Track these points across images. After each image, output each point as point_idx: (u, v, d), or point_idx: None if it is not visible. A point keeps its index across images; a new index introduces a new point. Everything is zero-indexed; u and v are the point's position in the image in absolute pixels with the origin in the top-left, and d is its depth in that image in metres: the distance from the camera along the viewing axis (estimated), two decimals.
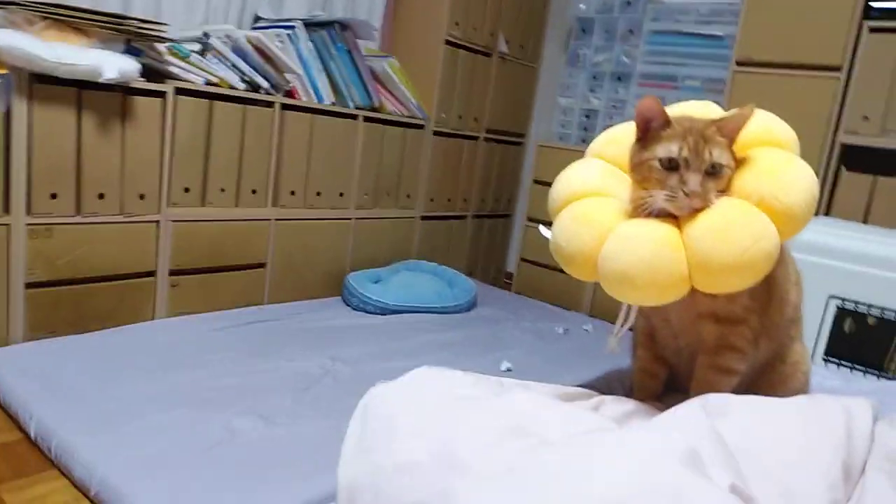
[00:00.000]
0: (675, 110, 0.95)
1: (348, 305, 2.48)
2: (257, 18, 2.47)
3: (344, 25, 2.49)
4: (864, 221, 2.25)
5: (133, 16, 1.85)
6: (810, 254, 1.31)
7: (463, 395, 0.53)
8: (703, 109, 0.91)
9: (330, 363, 1.88)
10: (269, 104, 2.25)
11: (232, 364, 1.79)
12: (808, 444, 0.60)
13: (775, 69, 2.39)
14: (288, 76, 2.30)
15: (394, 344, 2.12)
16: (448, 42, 2.82)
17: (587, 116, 3.04)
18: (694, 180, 0.77)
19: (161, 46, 1.98)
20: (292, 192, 2.40)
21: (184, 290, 2.12)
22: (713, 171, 0.79)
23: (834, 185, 2.35)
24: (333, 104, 2.47)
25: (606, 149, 0.94)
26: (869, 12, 2.23)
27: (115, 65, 1.72)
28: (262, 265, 2.34)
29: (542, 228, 0.93)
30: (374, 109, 2.62)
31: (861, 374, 1.29)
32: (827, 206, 2.35)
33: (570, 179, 0.92)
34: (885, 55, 2.21)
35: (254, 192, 2.28)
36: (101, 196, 1.88)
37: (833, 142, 2.31)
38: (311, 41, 2.41)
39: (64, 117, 1.75)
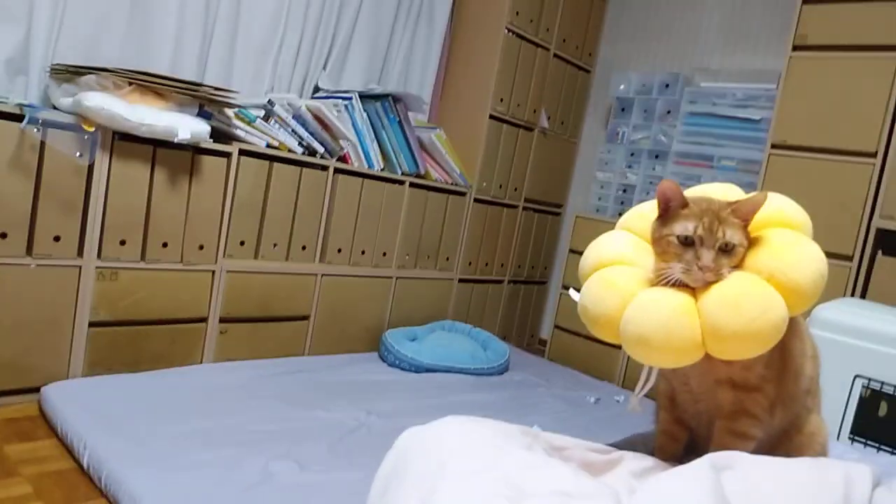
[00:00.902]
0: (697, 191, 1.04)
1: (384, 361, 2.56)
2: (317, 89, 2.67)
3: (396, 98, 2.67)
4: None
5: (207, 83, 2.04)
6: (837, 333, 1.35)
7: (486, 443, 0.59)
8: (724, 191, 0.99)
9: (364, 416, 1.94)
10: (324, 167, 2.41)
11: (272, 410, 1.87)
12: (805, 499, 0.64)
13: (810, 153, 2.46)
14: (342, 143, 2.47)
15: (427, 401, 2.18)
16: (492, 117, 2.98)
17: (624, 191, 3.14)
18: (707, 256, 0.85)
19: (230, 111, 2.17)
20: (339, 250, 2.53)
21: (232, 337, 2.24)
22: (726, 249, 0.87)
23: (870, 269, 2.37)
24: (382, 170, 2.62)
25: (635, 223, 1.02)
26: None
27: (188, 126, 1.90)
28: (306, 318, 2.46)
29: (571, 291, 1.01)
30: (419, 176, 2.76)
31: (887, 453, 1.31)
32: (863, 289, 2.37)
33: (600, 248, 1.01)
34: None
35: (303, 248, 2.41)
36: (164, 245, 2.02)
37: (869, 226, 2.35)
38: (366, 111, 2.59)
39: (139, 172, 1.92)
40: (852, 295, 2.37)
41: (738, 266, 0.87)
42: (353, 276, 2.59)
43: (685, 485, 0.61)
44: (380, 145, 2.62)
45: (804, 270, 0.84)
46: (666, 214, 0.91)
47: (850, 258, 2.38)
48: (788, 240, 0.88)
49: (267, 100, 2.30)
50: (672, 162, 2.92)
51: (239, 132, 2.18)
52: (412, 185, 2.73)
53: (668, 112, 3.02)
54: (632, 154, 3.12)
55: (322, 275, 2.47)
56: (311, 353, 2.49)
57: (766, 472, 0.68)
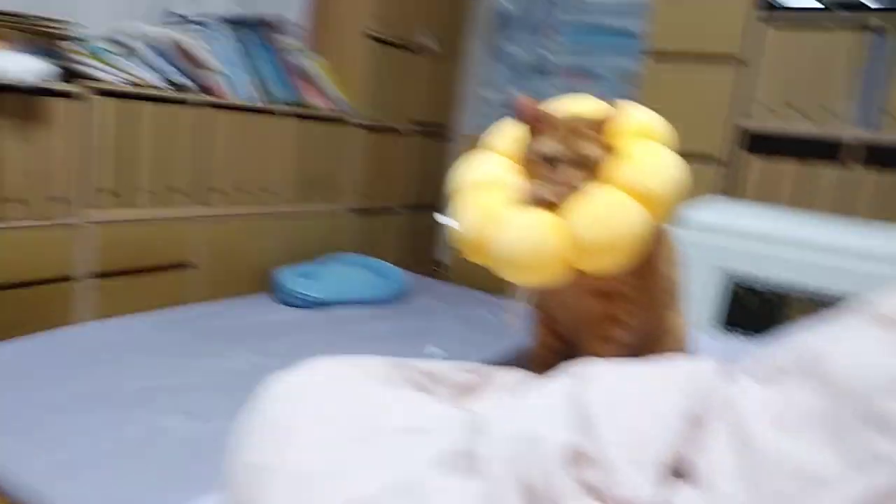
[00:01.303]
0: (558, 106, 1.02)
1: (277, 301, 2.49)
2: (171, 14, 2.43)
3: (265, 23, 2.49)
4: (768, 203, 2.41)
5: (41, 15, 1.80)
6: (707, 232, 1.42)
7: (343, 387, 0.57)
8: (584, 104, 0.98)
9: (260, 359, 1.89)
10: (192, 103, 2.23)
11: (158, 364, 1.78)
12: (658, 395, 0.68)
13: (682, 59, 2.52)
14: (211, 74, 2.29)
15: (323, 337, 2.15)
16: (370, 36, 2.84)
17: (509, 108, 3.12)
18: (566, 172, 0.85)
19: (74, 46, 1.94)
20: (217, 190, 2.39)
21: (108, 293, 2.09)
22: (587, 164, 0.87)
23: (738, 169, 2.50)
24: (256, 101, 2.46)
25: (501, 142, 1.00)
26: (762, 4, 2.38)
27: (25, 66, 1.69)
28: (189, 265, 2.33)
29: (438, 216, 0.99)
30: (299, 106, 2.63)
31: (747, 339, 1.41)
32: (731, 189, 2.51)
33: (467, 170, 0.99)
34: (781, 45, 2.37)
35: (177, 191, 2.26)
36: (13, 201, 1.83)
37: (736, 128, 2.47)
38: (234, 38, 2.40)
39: None
40: (727, 195, 2.50)
41: (600, 180, 0.88)
42: (236, 216, 2.47)
43: (541, 400, 0.62)
44: (251, 74, 2.45)
45: (662, 180, 0.85)
46: (527, 133, 0.90)
47: (716, 159, 2.49)
48: (646, 151, 0.88)
49: (121, 32, 2.08)
50: (554, 76, 2.92)
51: (92, 71, 1.96)
52: (291, 115, 2.59)
53: (551, 26, 2.99)
54: (515, 71, 3.09)
55: (200, 216, 2.34)
56: (198, 300, 2.38)
57: (625, 377, 0.71)
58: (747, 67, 2.43)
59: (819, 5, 2.32)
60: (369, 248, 3.07)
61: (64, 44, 1.91)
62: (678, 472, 0.66)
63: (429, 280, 3.14)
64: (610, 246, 0.82)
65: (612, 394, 0.68)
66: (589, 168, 0.87)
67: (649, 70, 2.57)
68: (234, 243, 2.48)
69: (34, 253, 1.90)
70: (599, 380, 0.69)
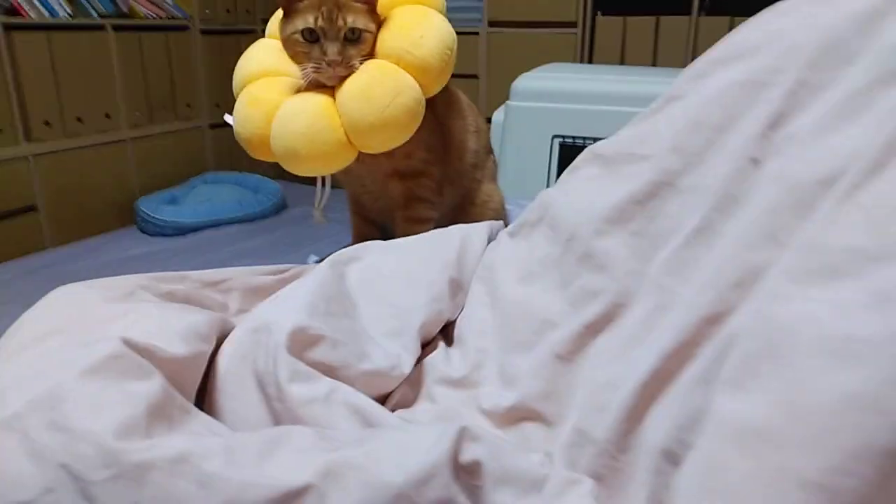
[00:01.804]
0: None
1: (145, 233, 2.36)
2: None
3: None
4: (621, 63, 2.41)
5: None
6: (533, 100, 1.40)
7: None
8: None
9: None
10: None
11: (14, 320, 1.67)
12: (420, 267, 0.67)
13: None
14: None
15: (196, 262, 2.07)
16: None
17: None
18: (332, 49, 0.79)
19: None
20: (47, 123, 2.18)
21: None
22: (353, 38, 0.81)
23: (593, 31, 2.48)
24: (71, 16, 2.21)
25: (275, 28, 0.93)
26: None
27: None
28: (32, 208, 2.15)
29: (226, 116, 0.92)
30: (124, 16, 2.38)
31: None
32: (589, 53, 2.49)
33: (246, 63, 0.91)
34: None
35: None
36: None
37: None
38: None
39: None
40: (581, 61, 2.49)
41: (370, 54, 0.82)
42: (76, 148, 2.27)
43: (296, 287, 0.60)
44: None
45: (430, 47, 0.81)
46: (287, 11, 0.82)
47: (573, 24, 2.46)
48: (412, 18, 0.83)
49: None
50: None
51: None
52: (117, 27, 2.34)
53: None
54: None
55: (34, 155, 2.14)
56: (55, 245, 2.22)
57: (391, 254, 0.70)
58: None
59: None
60: (238, 162, 2.92)
61: None
62: (448, 335, 0.67)
63: (310, 187, 3.04)
64: (380, 122, 0.78)
65: (370, 271, 0.66)
66: (359, 42, 0.81)
67: None
68: (82, 178, 2.29)
69: None
70: (361, 260, 0.68)
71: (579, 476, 0.46)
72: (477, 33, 2.62)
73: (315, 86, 0.83)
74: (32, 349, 0.48)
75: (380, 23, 0.83)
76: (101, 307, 0.53)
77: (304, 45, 0.81)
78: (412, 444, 0.42)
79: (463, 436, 0.42)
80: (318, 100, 0.80)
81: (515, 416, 0.55)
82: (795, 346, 0.36)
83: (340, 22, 0.79)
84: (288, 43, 0.82)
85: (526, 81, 1.44)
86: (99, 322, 0.50)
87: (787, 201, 0.44)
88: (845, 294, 0.36)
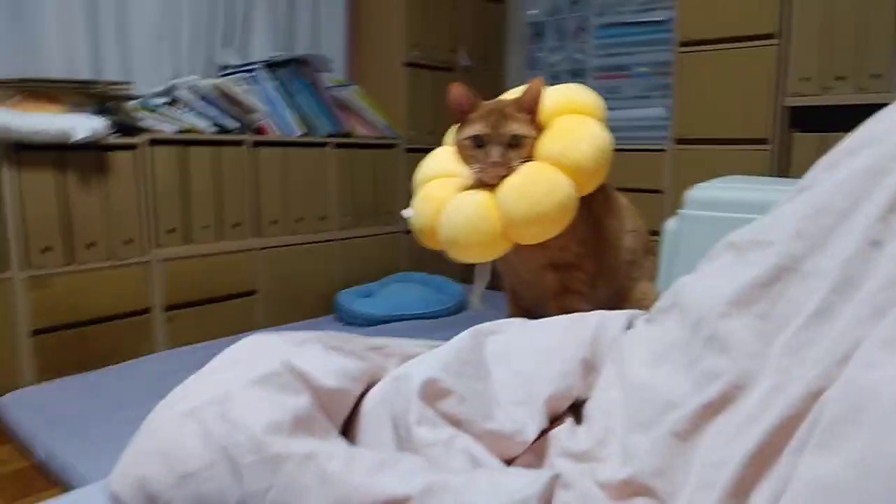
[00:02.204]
0: (553, 94, 1.06)
1: (339, 322, 2.62)
2: (224, 67, 2.67)
3: (302, 61, 2.67)
4: None
5: (100, 80, 2.05)
6: (710, 209, 1.40)
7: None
8: (518, 90, 1.02)
9: None
10: (240, 142, 2.43)
11: None
12: (555, 344, 0.70)
13: (716, 45, 2.46)
14: (255, 115, 2.48)
15: None
16: (409, 64, 2.97)
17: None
18: (495, 152, 0.90)
19: (131, 103, 2.18)
20: (273, 222, 2.57)
21: (180, 324, 2.30)
22: (514, 143, 0.91)
23: (789, 147, 2.40)
24: (304, 135, 2.64)
25: (451, 137, 1.07)
26: None
27: (83, 126, 1.92)
28: (252, 293, 2.51)
29: (404, 211, 1.06)
30: (344, 135, 2.78)
31: None
32: (785, 169, 2.40)
33: (423, 166, 1.06)
34: (814, 16, 2.28)
35: (236, 225, 2.45)
36: (90, 245, 2.07)
37: (779, 105, 2.37)
38: (274, 80, 2.59)
39: (48, 178, 1.95)
40: (777, 175, 2.40)
41: (529, 157, 0.92)
42: (294, 245, 2.64)
43: (438, 349, 0.67)
44: (295, 111, 2.63)
45: (584, 150, 0.88)
46: (461, 121, 0.96)
47: (765, 141, 2.40)
48: (569, 124, 0.92)
49: (169, 85, 2.31)
50: (591, 78, 2.93)
51: (145, 123, 2.20)
52: (337, 145, 2.75)
53: (581, 28, 3.01)
54: (553, 77, 3.12)
55: (261, 248, 2.52)
56: (265, 326, 2.55)
57: (529, 330, 0.74)
58: (782, 44, 2.34)
59: None
60: (427, 265, 3.16)
61: (124, 102, 2.16)
62: (578, 414, 0.69)
63: (489, 292, 3.18)
64: (533, 215, 0.86)
65: (507, 344, 0.71)
66: (519, 146, 0.91)
67: (682, 59, 2.54)
68: (295, 270, 2.64)
69: (111, 291, 2.12)
70: (501, 333, 0.73)
71: None
72: (663, 150, 2.66)
73: (480, 185, 0.94)
74: (220, 369, 0.60)
75: (540, 130, 0.93)
76: (278, 347, 0.65)
77: (472, 150, 0.93)
78: (508, 481, 0.45)
79: (555, 482, 0.45)
80: (479, 196, 0.91)
81: (629, 490, 0.56)
82: (877, 408, 0.35)
83: (504, 130, 0.90)
84: (460, 147, 0.95)
85: (701, 191, 1.45)
86: (273, 355, 0.61)
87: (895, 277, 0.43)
88: None
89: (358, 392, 0.61)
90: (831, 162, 0.58)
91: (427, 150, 3.46)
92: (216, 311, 2.40)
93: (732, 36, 2.43)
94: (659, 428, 0.57)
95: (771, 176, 2.40)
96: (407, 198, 3.05)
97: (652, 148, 2.66)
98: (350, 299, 2.65)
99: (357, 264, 2.88)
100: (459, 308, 2.77)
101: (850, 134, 0.58)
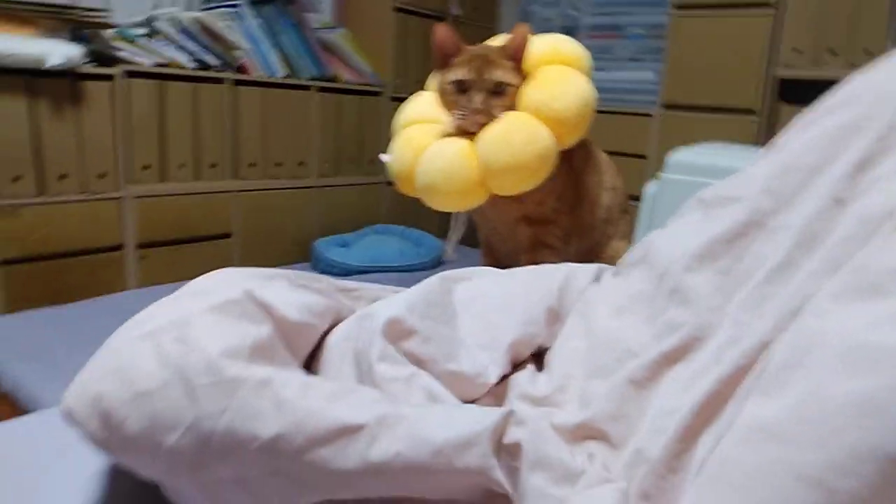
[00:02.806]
0: (539, 43, 1.04)
1: (315, 270, 2.61)
2: (207, 0, 2.58)
3: (288, 0, 2.60)
4: None
5: (76, 5, 1.97)
6: (690, 174, 1.40)
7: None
8: (504, 37, 1.00)
9: None
10: (221, 80, 2.37)
11: None
12: (521, 292, 0.71)
13: (712, 9, 2.43)
14: (237, 53, 2.42)
15: None
16: (399, 9, 2.90)
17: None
18: (477, 99, 0.88)
19: (108, 32, 2.11)
20: (252, 164, 2.53)
21: (153, 262, 2.27)
22: (497, 90, 0.89)
23: (776, 119, 2.40)
24: (287, 77, 2.58)
25: (433, 82, 1.05)
26: None
27: (59, 52, 1.86)
28: (227, 235, 2.48)
29: (382, 155, 1.04)
30: (328, 80, 2.73)
31: None
32: (770, 139, 2.40)
33: (404, 110, 1.04)
34: None
35: (213, 165, 2.41)
36: (62, 176, 2.02)
37: (769, 76, 2.36)
38: (259, 18, 2.52)
39: (17, 104, 1.89)
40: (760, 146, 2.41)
41: (511, 106, 0.90)
42: (272, 189, 2.60)
43: (403, 294, 0.67)
44: (279, 51, 2.57)
45: (567, 102, 0.87)
46: (443, 65, 0.94)
47: (753, 111, 2.40)
48: (554, 75, 0.91)
49: (147, 16, 2.24)
50: (584, 36, 2.89)
51: (121, 53, 2.13)
52: (321, 89, 2.69)
53: None
54: (545, 31, 3.07)
55: (238, 191, 2.48)
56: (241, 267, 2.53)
57: (495, 278, 0.74)
58: (777, 13, 2.31)
59: None
60: (407, 218, 3.14)
61: (100, 31, 2.09)
62: (540, 362, 0.70)
63: (468, 248, 3.19)
64: (512, 165, 0.85)
65: (475, 290, 0.72)
66: (502, 94, 0.90)
67: (676, 22, 2.51)
68: (273, 215, 2.61)
69: (83, 225, 2.09)
70: (469, 280, 0.73)
71: (616, 479, 0.47)
72: (650, 115, 2.64)
73: (461, 132, 0.93)
74: (182, 297, 0.59)
75: (524, 78, 0.92)
76: (244, 280, 0.64)
77: (453, 95, 0.91)
78: (461, 415, 0.46)
79: (509, 418, 0.45)
80: (459, 143, 0.90)
81: (582, 433, 0.57)
82: (820, 354, 0.36)
83: (487, 76, 0.89)
84: (441, 92, 0.94)
85: (681, 156, 1.45)
86: (238, 285, 0.61)
87: (855, 234, 0.43)
88: (879, 308, 0.35)
89: (322, 328, 0.61)
90: (807, 121, 0.58)
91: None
92: (190, 251, 2.38)
93: (729, 2, 2.40)
94: (617, 375, 0.58)
95: (756, 146, 2.40)
96: (389, 146, 2.98)
97: (639, 112, 2.65)
98: (326, 247, 2.64)
99: (336, 213, 2.86)
100: (437, 262, 2.77)
101: (828, 93, 0.58)
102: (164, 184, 2.29)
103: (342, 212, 2.88)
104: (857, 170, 0.49)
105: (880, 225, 0.42)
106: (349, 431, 0.44)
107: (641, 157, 2.67)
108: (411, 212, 3.18)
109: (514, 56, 0.91)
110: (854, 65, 2.19)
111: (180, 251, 2.35)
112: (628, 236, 1.09)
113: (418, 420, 0.44)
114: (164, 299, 0.62)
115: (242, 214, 2.51)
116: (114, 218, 2.16)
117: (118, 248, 2.19)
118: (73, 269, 2.08)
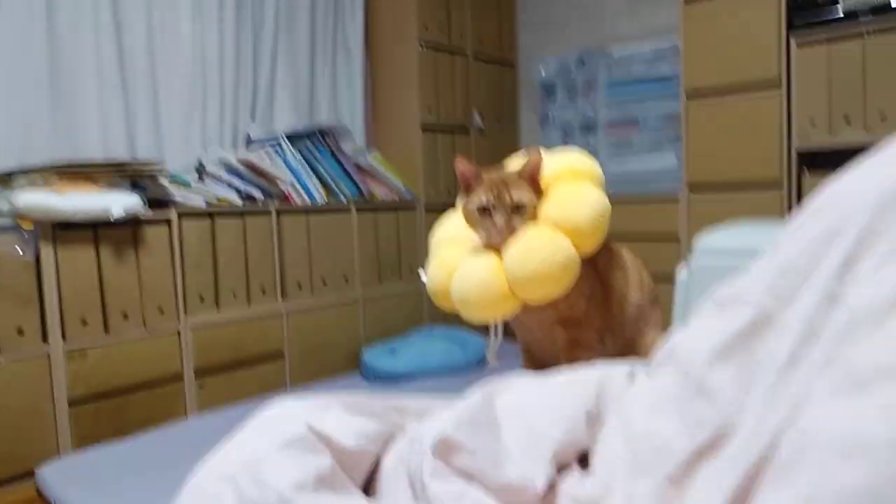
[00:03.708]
0: (553, 161, 1.13)
1: (365, 379, 2.66)
2: (249, 138, 2.81)
3: (323, 131, 2.81)
4: None
5: (133, 161, 2.18)
6: (720, 257, 1.44)
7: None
8: (520, 159, 1.10)
9: None
10: (266, 211, 2.54)
11: None
12: (560, 398, 0.75)
13: (722, 95, 2.54)
14: (280, 184, 2.60)
15: None
16: (425, 128, 3.10)
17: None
18: (500, 219, 0.97)
19: (162, 180, 2.31)
20: (299, 285, 2.65)
21: (211, 388, 2.36)
22: (517, 210, 0.98)
23: (801, 190, 2.44)
24: (327, 202, 2.75)
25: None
26: (792, 27, 2.37)
27: (119, 203, 2.04)
28: (280, 354, 2.58)
29: (420, 271, 1.13)
30: (365, 199, 2.89)
31: None
32: (795, 211, 2.43)
33: (437, 232, 1.13)
34: (816, 63, 2.35)
35: (263, 291, 2.54)
36: (125, 316, 2.16)
37: (789, 149, 2.42)
38: (297, 150, 2.72)
39: (85, 254, 2.06)
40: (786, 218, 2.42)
41: (532, 221, 0.98)
42: (319, 307, 2.71)
43: (448, 410, 0.72)
44: (319, 179, 2.75)
45: (582, 213, 0.95)
46: (468, 190, 1.03)
47: (778, 185, 2.44)
48: (568, 190, 0.99)
49: (197, 161, 2.44)
50: (603, 132, 3.02)
51: (176, 197, 2.32)
52: (359, 208, 2.85)
53: (590, 86, 3.12)
54: (565, 133, 3.22)
55: (287, 312, 2.59)
56: (293, 386, 2.61)
57: (534, 386, 0.79)
58: (788, 89, 2.40)
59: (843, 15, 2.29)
60: (448, 317, 3.20)
61: (156, 179, 2.28)
62: (584, 463, 0.73)
63: (507, 346, 3.20)
64: (537, 275, 0.92)
65: (516, 399, 0.76)
66: (522, 213, 0.98)
67: (689, 109, 2.61)
68: (321, 330, 2.71)
69: (144, 359, 2.20)
70: (510, 390, 0.78)
71: None
72: (677, 198, 2.70)
73: (488, 248, 1.00)
74: (250, 434, 0.66)
75: (541, 195, 1.00)
76: (304, 412, 0.70)
77: (477, 218, 1.00)
78: None
79: None
80: (487, 259, 0.97)
81: None
82: (817, 449, 0.40)
83: (507, 198, 0.97)
84: (467, 215, 1.02)
85: (707, 240, 1.49)
86: (298, 419, 0.67)
87: (845, 329, 0.47)
88: (864, 403, 0.39)
89: (376, 451, 0.66)
90: (798, 223, 0.64)
91: (445, 208, 3.55)
92: (245, 374, 2.47)
93: (737, 85, 2.50)
94: (657, 473, 0.61)
95: (784, 219, 2.42)
96: (426, 254, 3.13)
97: (666, 197, 2.71)
98: (375, 357, 2.70)
99: (381, 321, 2.94)
100: (481, 360, 2.80)
101: (814, 195, 0.64)
102: (219, 312, 2.41)
103: (387, 319, 2.97)
104: (843, 268, 0.54)
105: (865, 320, 0.46)
106: None
107: (674, 239, 2.71)
108: (454, 315, 3.25)
109: (531, 177, 1.00)
110: (870, 128, 2.25)
111: (236, 374, 2.44)
112: (660, 325, 1.13)
113: None
114: (233, 437, 0.68)
115: (293, 333, 2.61)
116: (173, 350, 2.28)
117: (178, 377, 2.29)
118: (136, 402, 2.18)
